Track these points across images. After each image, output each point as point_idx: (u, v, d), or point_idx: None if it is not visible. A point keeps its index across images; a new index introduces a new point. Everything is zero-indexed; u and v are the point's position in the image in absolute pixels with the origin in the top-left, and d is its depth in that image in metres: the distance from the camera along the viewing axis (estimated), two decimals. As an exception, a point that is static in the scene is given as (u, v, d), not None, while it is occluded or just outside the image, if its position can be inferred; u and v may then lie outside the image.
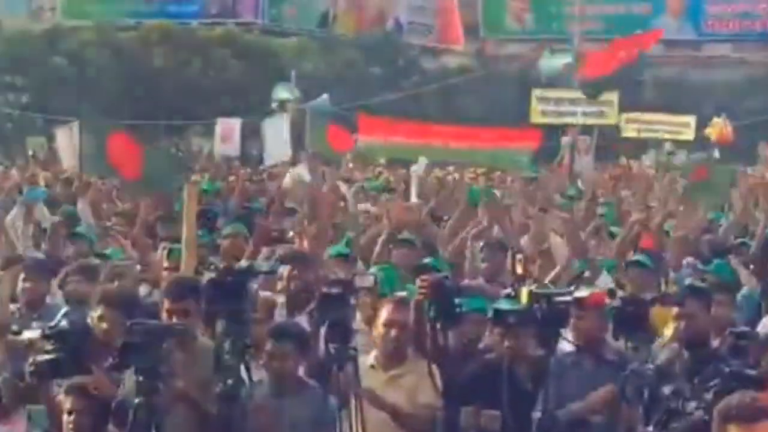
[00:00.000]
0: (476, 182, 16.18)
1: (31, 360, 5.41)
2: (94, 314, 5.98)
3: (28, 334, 5.79)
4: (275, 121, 20.94)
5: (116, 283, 7.22)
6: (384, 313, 6.15)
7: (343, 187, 14.19)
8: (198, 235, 7.47)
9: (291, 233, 8.75)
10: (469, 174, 17.92)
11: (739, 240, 10.23)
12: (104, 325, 5.87)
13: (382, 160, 17.25)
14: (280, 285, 7.19)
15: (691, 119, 24.81)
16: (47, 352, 5.38)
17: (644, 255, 8.54)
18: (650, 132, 24.27)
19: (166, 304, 5.87)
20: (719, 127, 26.53)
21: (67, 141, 15.55)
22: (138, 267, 7.89)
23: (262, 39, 40.60)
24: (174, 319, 5.71)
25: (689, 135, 24.60)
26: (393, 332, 6.10)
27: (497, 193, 12.16)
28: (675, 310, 6.00)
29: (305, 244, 8.23)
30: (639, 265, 8.22)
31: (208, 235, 9.58)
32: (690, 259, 9.17)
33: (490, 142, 15.87)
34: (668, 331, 6.65)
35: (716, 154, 25.39)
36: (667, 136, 24.37)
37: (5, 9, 39.86)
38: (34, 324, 5.81)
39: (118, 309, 5.89)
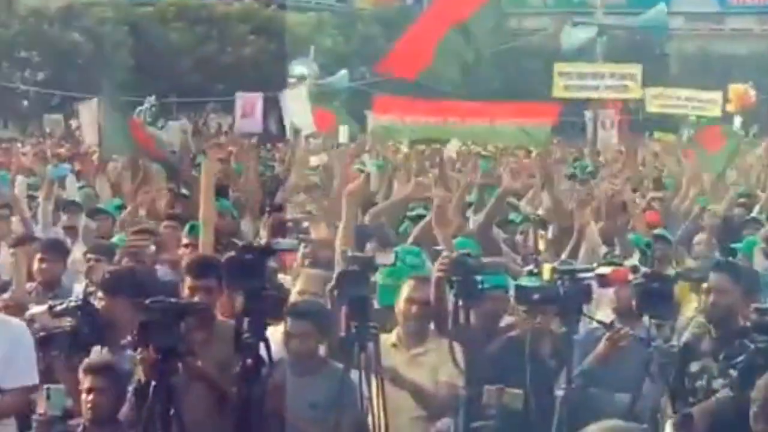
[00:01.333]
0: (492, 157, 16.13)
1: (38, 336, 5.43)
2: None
3: (32, 310, 5.81)
4: (296, 92, 20.86)
5: (125, 262, 7.16)
6: (405, 290, 6.10)
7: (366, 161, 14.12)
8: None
9: (306, 223, 8.70)
10: (484, 151, 17.88)
11: (748, 216, 10.14)
12: (103, 305, 5.87)
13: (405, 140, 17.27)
14: (296, 264, 7.14)
15: (717, 95, 24.51)
16: (54, 328, 5.40)
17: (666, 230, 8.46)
18: (675, 108, 23.97)
19: (188, 282, 5.83)
20: (740, 93, 26.25)
21: (90, 117, 15.55)
22: (153, 247, 7.83)
23: (279, 14, 40.45)
24: (196, 297, 5.66)
25: (716, 111, 24.31)
26: (414, 309, 6.05)
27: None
28: (704, 285, 5.93)
29: (321, 231, 8.15)
30: (664, 239, 8.15)
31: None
32: (701, 236, 9.04)
33: (508, 118, 15.79)
34: (690, 308, 6.58)
35: (737, 124, 25.14)
36: (693, 112, 24.07)
37: (21, -15, 39.84)
38: (47, 305, 5.80)
39: (114, 292, 5.86)
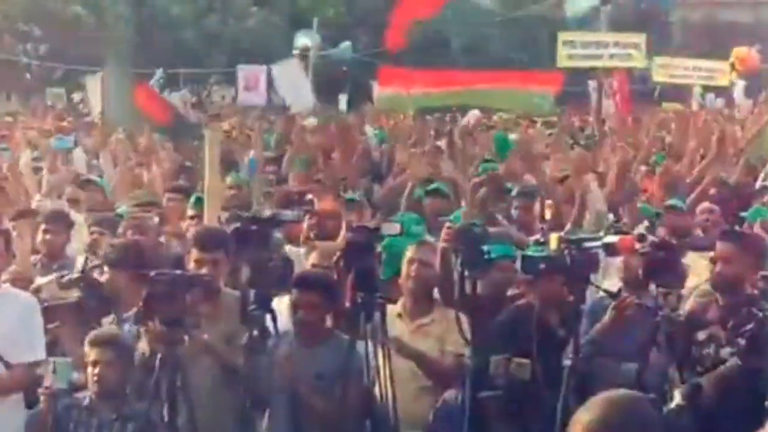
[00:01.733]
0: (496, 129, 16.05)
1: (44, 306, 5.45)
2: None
3: (39, 281, 5.82)
4: (288, 66, 20.72)
5: (129, 234, 7.13)
6: (407, 254, 6.09)
7: (369, 131, 14.08)
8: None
9: (311, 195, 8.69)
10: (488, 121, 17.79)
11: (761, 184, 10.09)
12: (107, 278, 5.87)
13: (410, 111, 17.22)
14: (303, 236, 7.13)
15: (725, 65, 24.27)
16: (60, 299, 5.41)
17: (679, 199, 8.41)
18: (683, 78, 23.73)
19: (195, 254, 5.81)
20: (742, 55, 25.95)
21: (96, 90, 15.54)
22: (157, 219, 7.81)
23: (282, -15, 40.22)
24: (203, 270, 5.65)
25: (724, 81, 24.05)
26: (415, 268, 6.02)
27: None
28: (711, 254, 5.90)
29: (326, 204, 8.13)
30: (675, 209, 8.11)
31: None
32: (705, 204, 8.99)
33: (510, 83, 15.77)
34: (696, 278, 6.55)
35: (740, 90, 24.90)
36: (699, 81, 23.82)
37: (22, -42, 39.60)
38: (54, 275, 5.81)
39: (118, 265, 5.85)
